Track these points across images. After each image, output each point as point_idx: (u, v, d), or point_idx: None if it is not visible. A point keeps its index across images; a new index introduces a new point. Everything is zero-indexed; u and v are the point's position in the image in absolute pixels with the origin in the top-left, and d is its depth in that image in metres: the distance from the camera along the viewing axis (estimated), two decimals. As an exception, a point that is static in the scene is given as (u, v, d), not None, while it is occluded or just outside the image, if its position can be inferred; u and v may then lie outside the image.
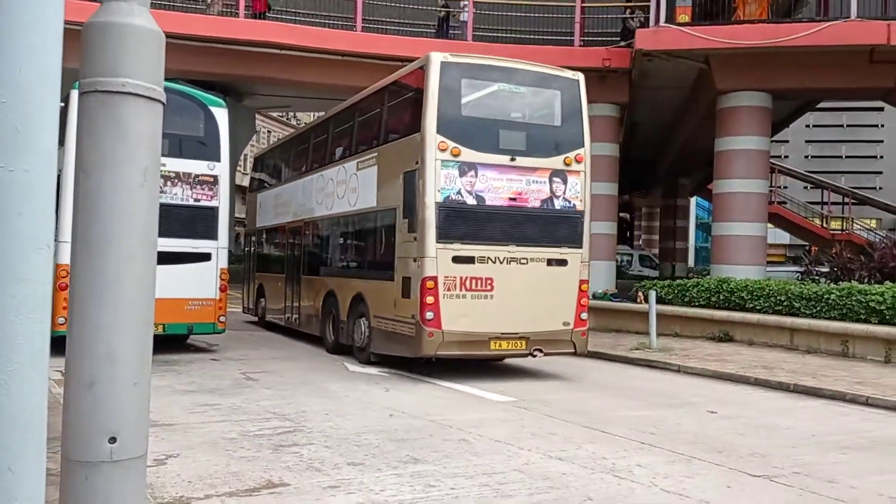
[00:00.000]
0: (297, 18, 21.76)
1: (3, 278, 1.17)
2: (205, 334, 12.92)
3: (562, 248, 11.02)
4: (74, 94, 11.15)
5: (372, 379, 10.66)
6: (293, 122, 55.78)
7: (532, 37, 21.47)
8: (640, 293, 17.89)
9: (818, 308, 14.31)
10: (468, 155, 10.46)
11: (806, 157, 63.34)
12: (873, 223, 43.86)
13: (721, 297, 16.26)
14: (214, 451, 6.44)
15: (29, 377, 1.20)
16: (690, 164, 32.88)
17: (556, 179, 11.00)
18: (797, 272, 19.59)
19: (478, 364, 11.96)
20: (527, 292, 10.74)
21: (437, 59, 10.62)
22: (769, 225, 27.78)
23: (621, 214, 53.47)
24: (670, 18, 18.51)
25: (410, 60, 21.59)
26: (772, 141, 22.00)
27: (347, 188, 13.02)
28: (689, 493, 5.55)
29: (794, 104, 24.37)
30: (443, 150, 10.31)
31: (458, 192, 10.44)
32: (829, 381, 10.77)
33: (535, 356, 10.98)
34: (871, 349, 13.17)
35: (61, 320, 11.17)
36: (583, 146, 11.23)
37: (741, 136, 19.08)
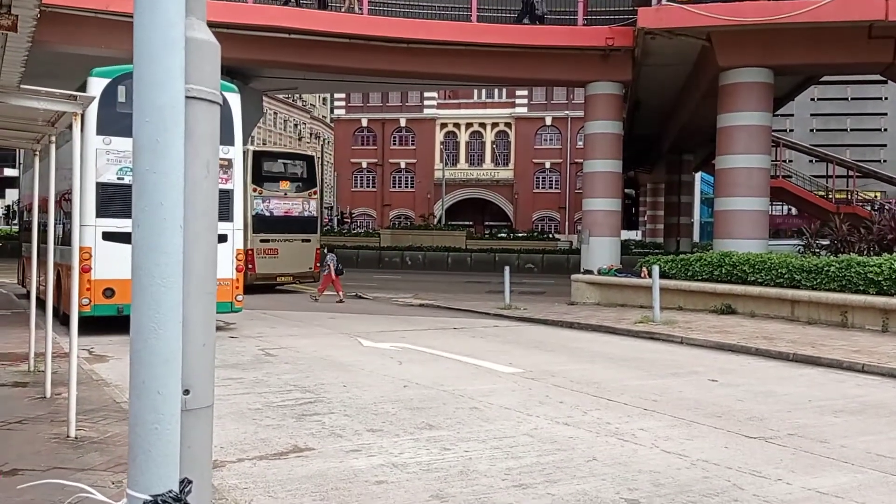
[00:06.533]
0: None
1: (151, 251, 1.57)
2: (223, 313, 13.34)
3: (307, 234, 22.58)
4: (91, 81, 11.35)
5: (385, 353, 11.08)
6: (299, 103, 55.92)
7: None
8: (644, 268, 18.22)
9: (818, 280, 14.63)
10: (266, 193, 21.73)
11: (811, 130, 63.37)
12: (878, 196, 44.06)
13: (723, 271, 16.57)
14: (242, 420, 6.85)
15: (170, 325, 1.61)
16: (694, 139, 33.10)
17: (305, 203, 22.49)
18: (799, 245, 19.87)
19: (484, 340, 12.69)
20: (291, 255, 22.08)
21: (249, 148, 21.09)
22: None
23: (626, 191, 53.69)
24: (672, -4, 18.70)
25: (415, 42, 21.68)
26: (776, 115, 22.19)
27: None
28: (689, 454, 5.94)
29: (796, 79, 24.54)
30: (254, 192, 21.23)
31: (262, 210, 21.66)
32: (828, 349, 11.14)
33: (296, 284, 22.85)
34: (869, 319, 13.53)
35: (85, 301, 11.54)
36: (315, 187, 23.27)
37: (743, 111, 19.30)
